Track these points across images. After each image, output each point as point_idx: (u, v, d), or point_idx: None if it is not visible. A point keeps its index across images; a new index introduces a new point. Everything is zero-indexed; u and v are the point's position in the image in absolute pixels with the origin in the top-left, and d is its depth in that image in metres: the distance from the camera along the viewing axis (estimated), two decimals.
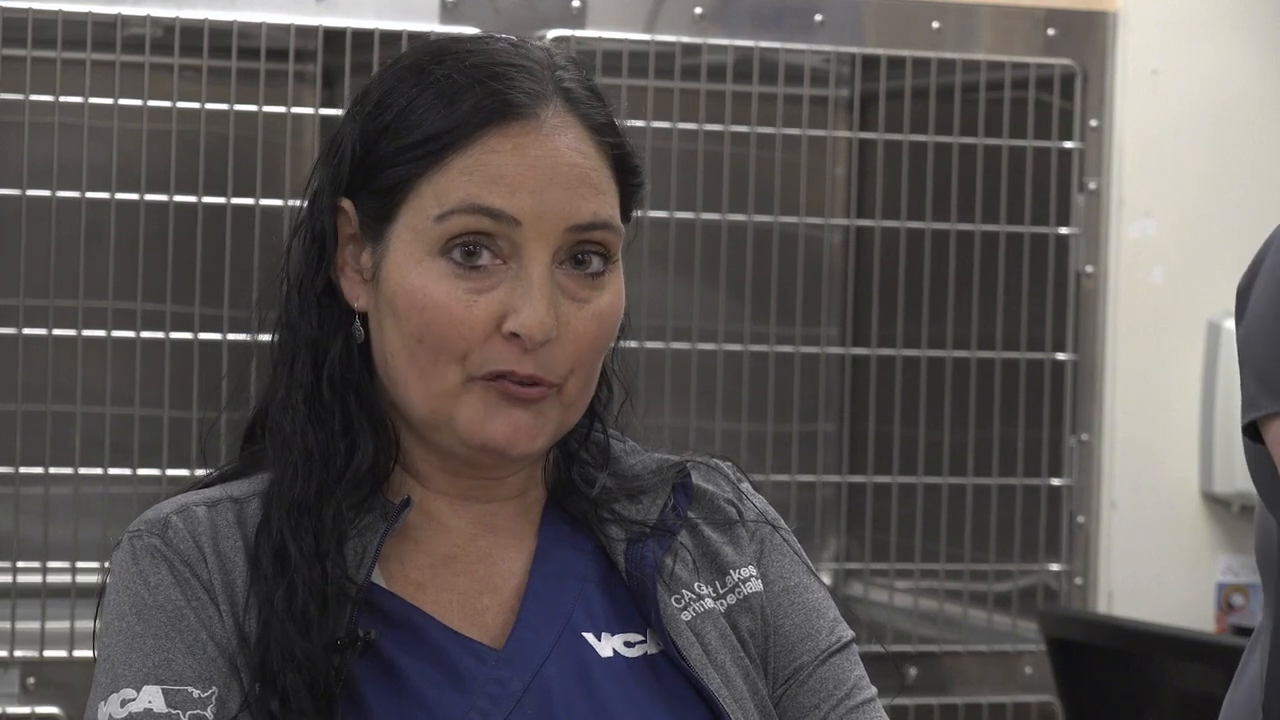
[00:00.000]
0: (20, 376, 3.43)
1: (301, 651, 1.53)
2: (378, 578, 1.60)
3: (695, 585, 1.64)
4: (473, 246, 1.51)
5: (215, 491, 1.61)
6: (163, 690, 1.52)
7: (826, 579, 3.27)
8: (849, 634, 1.67)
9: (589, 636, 1.61)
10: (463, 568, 1.63)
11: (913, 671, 3.57)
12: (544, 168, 1.51)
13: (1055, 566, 3.59)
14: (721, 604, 1.66)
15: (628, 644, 1.63)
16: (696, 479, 1.69)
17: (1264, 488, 2.08)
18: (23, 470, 3.39)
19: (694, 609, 1.64)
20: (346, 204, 1.56)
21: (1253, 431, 2.04)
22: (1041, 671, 3.39)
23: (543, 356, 1.52)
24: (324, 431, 1.61)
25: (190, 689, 1.54)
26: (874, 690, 1.65)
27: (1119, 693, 3.23)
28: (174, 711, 1.53)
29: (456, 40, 1.63)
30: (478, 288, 1.51)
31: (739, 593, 1.66)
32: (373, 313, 1.58)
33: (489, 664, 1.59)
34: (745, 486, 1.74)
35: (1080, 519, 3.58)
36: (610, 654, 1.62)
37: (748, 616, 1.65)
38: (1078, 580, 3.57)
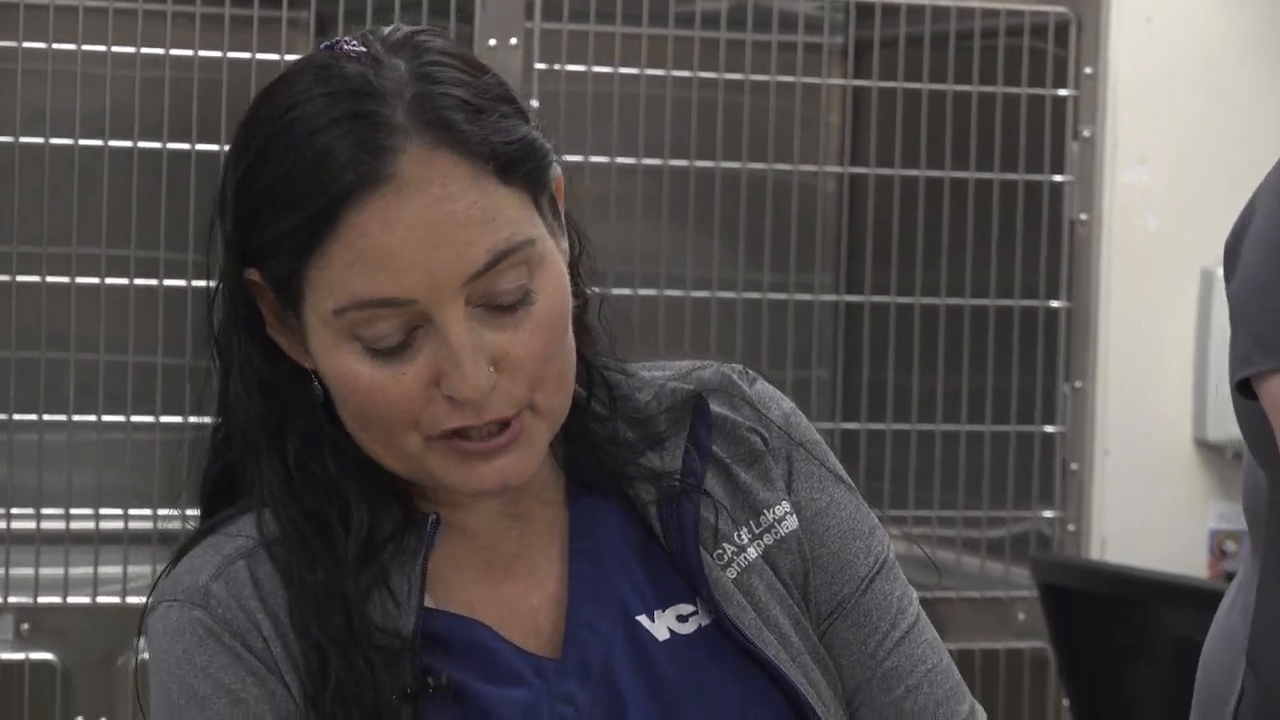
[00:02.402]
0: (14, 323, 3.42)
1: (371, 700, 1.46)
2: (433, 600, 1.54)
3: (735, 535, 1.59)
4: (381, 333, 1.44)
5: (242, 540, 1.52)
6: None
7: None
8: (884, 548, 1.60)
9: (643, 620, 1.57)
10: (503, 571, 1.58)
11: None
12: (420, 232, 1.42)
13: (1048, 513, 3.57)
14: (759, 545, 1.60)
15: (680, 618, 1.57)
16: (715, 406, 1.61)
17: (1254, 442, 2.06)
18: (16, 417, 3.40)
19: (738, 564, 1.59)
20: (254, 275, 1.48)
21: (1244, 387, 2.00)
22: (1034, 618, 3.36)
23: (494, 399, 1.43)
24: (313, 513, 1.52)
25: None
26: (916, 605, 1.59)
27: (1112, 639, 3.16)
28: None
29: (308, 78, 1.47)
30: (401, 361, 1.43)
31: (775, 533, 1.61)
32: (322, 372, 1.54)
33: (552, 680, 1.53)
34: (759, 388, 1.63)
35: (1074, 466, 3.57)
36: (666, 635, 1.57)
37: (787, 557, 1.60)
38: (1071, 527, 3.57)
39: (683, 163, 3.46)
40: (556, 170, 1.48)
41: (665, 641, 1.54)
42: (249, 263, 1.45)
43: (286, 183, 1.42)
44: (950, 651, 3.13)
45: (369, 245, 1.39)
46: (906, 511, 3.62)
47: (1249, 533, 2.18)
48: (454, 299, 1.40)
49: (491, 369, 1.41)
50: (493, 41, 3.48)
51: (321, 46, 1.48)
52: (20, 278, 3.24)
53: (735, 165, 3.50)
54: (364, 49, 1.43)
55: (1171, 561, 3.46)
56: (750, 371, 1.63)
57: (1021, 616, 3.50)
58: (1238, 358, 2.01)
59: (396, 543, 1.50)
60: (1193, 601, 2.98)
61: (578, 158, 3.53)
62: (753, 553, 1.58)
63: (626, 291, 3.46)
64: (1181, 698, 2.29)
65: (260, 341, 1.49)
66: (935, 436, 3.59)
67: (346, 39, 1.46)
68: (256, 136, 1.45)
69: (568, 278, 1.45)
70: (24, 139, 3.26)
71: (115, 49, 3.27)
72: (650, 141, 3.51)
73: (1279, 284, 2.01)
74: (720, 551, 1.57)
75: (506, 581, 1.55)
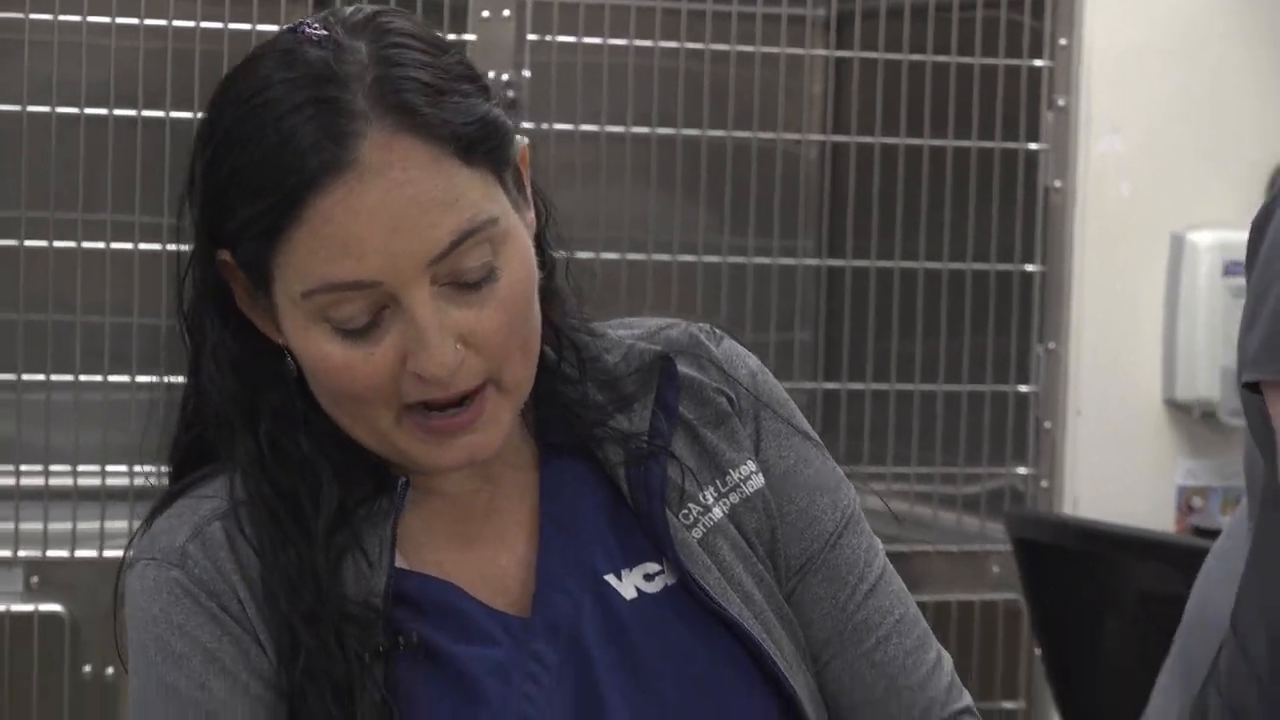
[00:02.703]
0: (21, 287, 3.43)
1: (343, 673, 1.50)
2: (404, 560, 1.58)
3: (701, 496, 1.61)
4: (349, 315, 1.47)
5: (217, 501, 1.55)
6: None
7: None
8: (851, 502, 1.65)
9: (610, 579, 1.59)
10: (474, 533, 1.61)
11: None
12: (381, 217, 1.44)
13: (1022, 470, 3.62)
14: (724, 504, 1.62)
15: (647, 577, 1.61)
16: (682, 367, 1.64)
17: (1254, 430, 2.07)
18: (25, 377, 3.42)
19: (703, 524, 1.61)
20: (225, 255, 1.50)
21: (1252, 385, 2.02)
22: (1008, 571, 3.39)
23: (460, 374, 1.47)
24: (286, 492, 1.55)
25: None
26: (883, 556, 1.65)
27: (1082, 591, 3.21)
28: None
29: (273, 63, 1.49)
30: (370, 341, 1.47)
31: (741, 492, 1.62)
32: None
33: (522, 639, 1.57)
34: (725, 347, 1.67)
35: (1047, 425, 3.60)
36: (634, 594, 1.60)
37: (752, 516, 1.62)
38: (1044, 483, 3.61)
39: (670, 131, 3.49)
40: (520, 144, 1.51)
41: (632, 600, 1.57)
42: (219, 245, 1.48)
43: (251, 169, 1.44)
44: (926, 603, 3.10)
45: (333, 231, 1.41)
46: (885, 468, 3.66)
47: (1247, 497, 2.19)
48: (419, 280, 1.42)
49: (459, 345, 1.44)
50: (485, 13, 3.47)
51: (285, 29, 1.49)
52: (28, 242, 3.29)
53: (721, 134, 3.52)
54: (325, 32, 1.45)
55: (1140, 517, 3.46)
56: (717, 330, 1.66)
57: (995, 569, 3.53)
58: (1247, 359, 2.02)
59: (368, 506, 1.53)
60: (1160, 556, 3.04)
61: (568, 125, 3.55)
62: (718, 513, 1.60)
63: (615, 256, 3.50)
64: (1148, 649, 2.30)
65: (233, 321, 1.51)
66: (914, 396, 3.62)
67: (309, 21, 1.47)
68: (222, 121, 1.46)
69: (532, 250, 1.47)
70: (31, 108, 3.29)
71: (119, 20, 3.28)
72: (639, 111, 3.52)
73: None
74: (686, 512, 1.58)
75: (477, 543, 1.58)
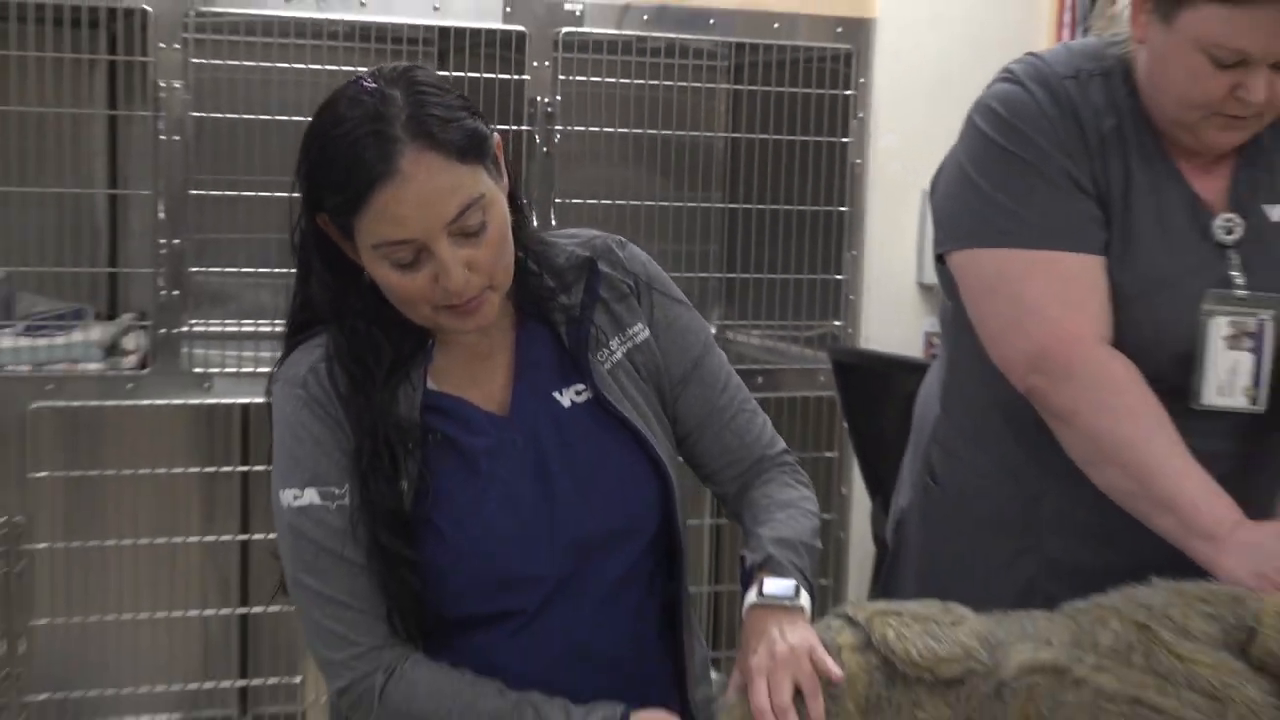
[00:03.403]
0: (238, 224, 3.77)
1: (400, 450, 1.78)
2: (433, 384, 1.85)
3: (609, 344, 1.88)
4: (401, 257, 1.72)
5: (321, 351, 1.81)
6: (317, 490, 1.79)
7: (713, 329, 3.64)
8: (709, 335, 1.94)
9: (555, 395, 1.87)
10: (477, 366, 1.86)
11: (760, 379, 4.08)
12: (416, 201, 1.67)
13: (837, 323, 4.25)
14: (624, 349, 1.89)
15: (577, 393, 1.88)
16: (601, 266, 1.89)
17: (944, 286, 2.29)
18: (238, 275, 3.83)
19: (610, 361, 1.88)
20: (323, 219, 1.76)
21: (938, 258, 2.23)
22: (829, 380, 3.98)
23: (469, 286, 1.72)
24: (358, 357, 1.80)
25: (333, 488, 1.79)
26: (729, 367, 1.99)
27: (868, 391, 3.78)
28: (325, 503, 1.78)
29: (344, 104, 1.73)
30: (414, 271, 1.71)
31: (634, 340, 1.90)
32: None
33: (502, 430, 1.85)
34: (628, 251, 1.95)
35: (851, 297, 4.21)
36: (569, 404, 1.87)
37: (641, 355, 1.90)
38: (849, 330, 4.27)
39: (640, 131, 4.05)
40: (494, 140, 1.74)
41: (568, 408, 1.87)
42: (318, 211, 1.75)
43: (335, 173, 1.68)
44: (784, 398, 4.00)
45: (389, 210, 1.67)
46: (762, 322, 4.28)
47: (942, 332, 2.41)
48: (440, 236, 1.67)
49: (466, 270, 1.69)
50: (535, 63, 3.83)
51: (350, 81, 1.76)
52: (245, 192, 3.62)
53: (669, 132, 4.10)
54: (375, 85, 1.71)
55: (903, 349, 4.16)
56: (623, 240, 1.94)
57: (821, 379, 4.09)
58: (935, 240, 2.23)
59: (414, 356, 1.81)
60: (912, 370, 3.44)
61: (582, 128, 3.98)
62: (619, 354, 1.89)
63: (577, 201, 3.97)
64: (905, 423, 2.50)
65: (328, 258, 1.78)
66: (778, 282, 4.21)
67: (365, 77, 1.73)
68: (316, 140, 1.72)
69: (506, 206, 1.75)
70: (245, 116, 3.66)
71: (296, 65, 3.67)
72: (626, 119, 4.06)
73: (949, 194, 2.20)
74: (601, 354, 1.87)
75: (479, 372, 1.86)
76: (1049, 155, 2.04)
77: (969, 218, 2.09)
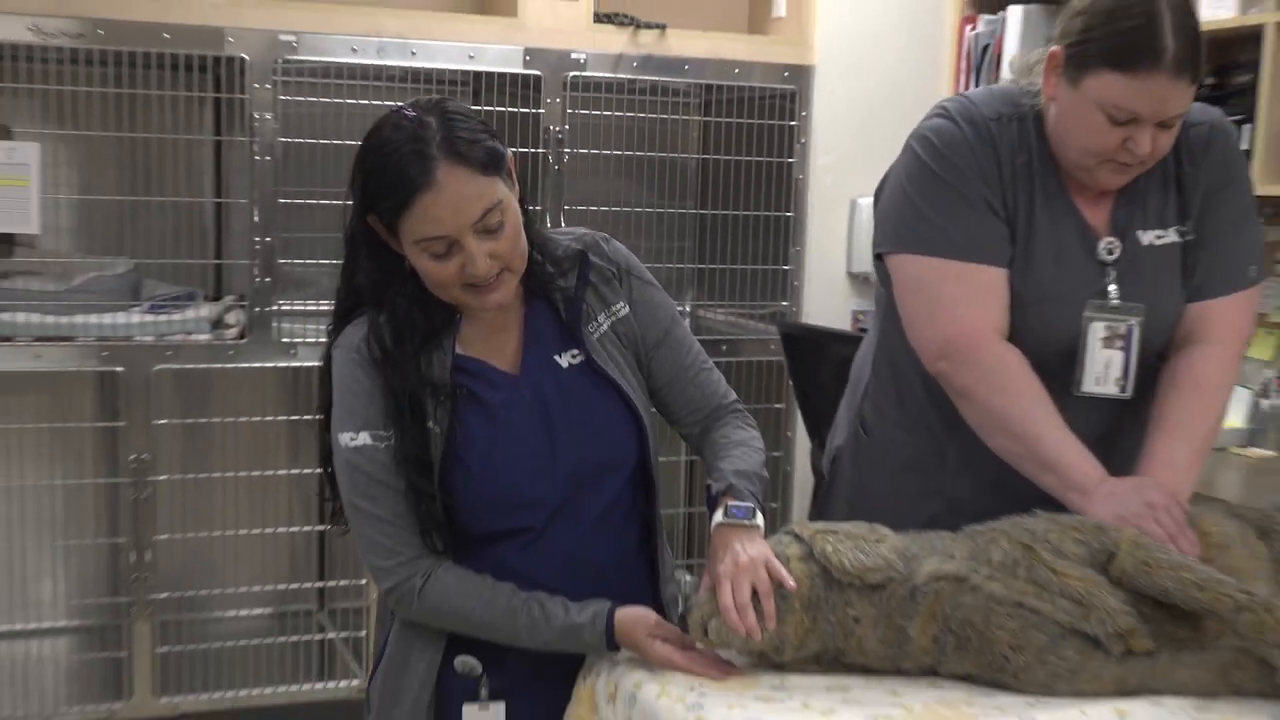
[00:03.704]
0: (314, 228, 3.52)
1: (432, 402, 1.77)
2: (460, 350, 1.83)
3: (597, 318, 1.85)
4: (437, 249, 1.71)
5: (367, 327, 1.79)
6: (369, 433, 1.78)
7: (688, 308, 4.28)
8: (675, 310, 1.91)
9: (556, 358, 1.85)
10: (495, 334, 1.85)
11: (724, 347, 4.00)
12: (449, 206, 1.67)
13: (785, 303, 4.21)
14: (609, 322, 1.87)
15: (572, 357, 1.85)
16: (591, 257, 1.87)
17: (880, 276, 2.22)
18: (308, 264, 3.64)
19: (599, 332, 1.85)
20: (373, 219, 1.76)
21: (877, 258, 2.18)
22: (779, 348, 3.90)
23: (490, 271, 1.73)
24: (396, 333, 1.77)
25: (380, 430, 1.78)
26: (692, 336, 1.96)
27: (807, 356, 3.69)
28: (375, 443, 1.77)
29: (389, 129, 1.71)
30: (447, 260, 1.71)
31: (617, 315, 1.88)
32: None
33: (515, 387, 1.83)
34: (613, 246, 1.90)
35: (796, 283, 4.19)
36: (566, 365, 1.84)
37: (623, 327, 1.88)
38: (794, 309, 4.20)
39: (629, 153, 4.01)
40: (508, 156, 1.73)
41: (566, 368, 1.84)
42: (369, 212, 1.74)
43: (384, 184, 1.68)
44: (744, 362, 3.91)
45: (428, 212, 1.67)
46: (728, 303, 4.21)
47: (876, 311, 2.30)
48: (468, 233, 1.68)
49: (489, 259, 1.70)
50: (548, 99, 3.74)
51: (393, 110, 1.75)
52: (322, 201, 3.55)
53: (653, 154, 4.07)
54: (414, 114, 1.71)
55: (835, 323, 4.15)
56: (608, 236, 1.91)
57: (773, 347, 4.00)
58: (875, 241, 2.18)
59: (446, 327, 1.80)
60: (843, 340, 3.49)
61: (591, 151, 3.91)
62: (605, 326, 1.85)
63: (581, 207, 3.91)
64: (839, 385, 2.43)
65: (375, 249, 1.76)
66: (739, 271, 4.23)
67: (406, 106, 1.72)
68: (368, 157, 1.72)
69: (519, 209, 1.74)
70: (321, 141, 3.62)
71: (363, 101, 3.68)
72: (630, 143, 4.03)
73: (890, 205, 2.13)
74: (591, 326, 1.84)
75: (496, 338, 1.84)
76: (971, 182, 2.02)
77: (904, 228, 2.07)
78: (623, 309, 1.85)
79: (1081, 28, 1.95)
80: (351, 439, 1.74)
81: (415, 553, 1.76)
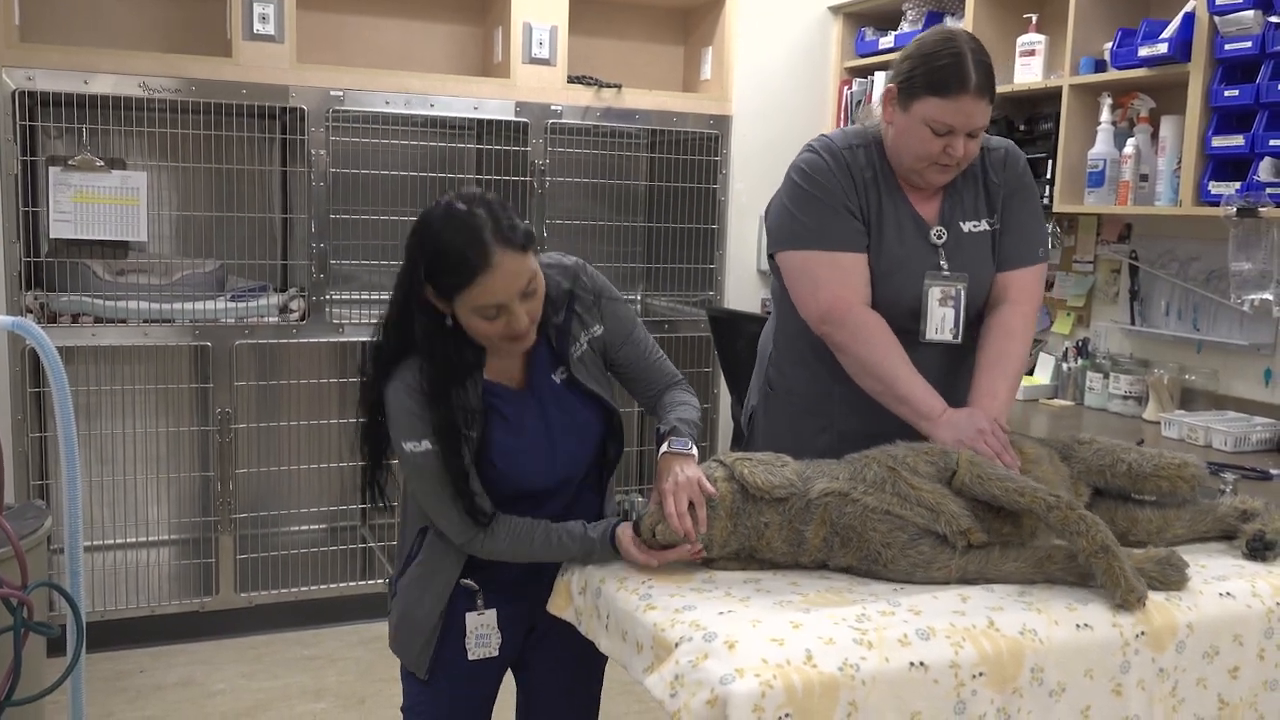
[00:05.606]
0: (362, 245, 3.55)
1: (464, 417, 1.68)
2: (487, 377, 1.75)
3: (579, 340, 1.77)
4: (488, 314, 1.64)
5: (416, 368, 1.69)
6: (429, 441, 1.67)
7: (639, 297, 4.16)
8: (636, 317, 1.84)
9: (551, 376, 1.78)
10: (505, 358, 1.77)
11: (666, 326, 3.97)
12: (503, 282, 1.61)
13: (711, 293, 4.00)
14: (588, 342, 1.79)
15: (561, 373, 1.78)
16: (576, 290, 1.78)
17: (773, 274, 2.16)
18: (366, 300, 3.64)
19: (580, 351, 1.77)
20: (429, 289, 1.65)
21: (770, 259, 2.14)
22: (707, 326, 3.83)
23: (526, 329, 1.68)
24: (436, 376, 1.67)
25: (431, 442, 1.68)
26: (648, 335, 1.86)
27: (728, 333, 3.58)
28: (434, 449, 1.67)
29: (450, 215, 1.60)
30: (495, 320, 1.64)
31: (593, 334, 1.80)
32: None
33: (523, 399, 1.76)
34: (589, 272, 1.81)
35: (720, 277, 4.07)
36: (558, 381, 1.77)
37: (596, 342, 1.81)
38: (719, 297, 4.00)
39: (595, 180, 4.05)
40: (535, 237, 1.68)
41: (558, 384, 1.76)
42: (425, 282, 1.65)
43: (447, 266, 1.60)
44: (683, 338, 3.78)
45: (487, 289, 1.60)
46: (670, 293, 4.17)
47: (772, 299, 2.23)
48: (515, 300, 1.63)
49: (526, 317, 1.65)
50: (537, 162, 3.62)
51: (445, 200, 1.63)
52: (365, 216, 3.57)
53: (613, 182, 4.12)
54: (464, 206, 1.60)
55: (749, 308, 4.07)
56: (584, 263, 1.81)
57: (702, 326, 3.96)
58: (767, 245, 2.15)
59: (477, 361, 1.72)
60: (756, 321, 3.28)
61: (571, 179, 3.88)
62: (585, 346, 1.78)
63: (559, 221, 3.81)
64: (751, 358, 2.35)
65: (427, 311, 1.65)
66: (680, 270, 4.08)
67: (457, 198, 1.62)
68: (431, 242, 1.61)
69: (543, 276, 1.68)
70: (362, 170, 3.60)
71: (394, 141, 3.69)
72: (587, 173, 4.03)
73: (776, 219, 2.08)
74: (574, 347, 1.77)
75: (507, 364, 1.78)
76: (834, 194, 2.01)
77: (786, 233, 2.05)
78: (598, 330, 1.80)
79: (909, 68, 1.98)
80: (414, 447, 1.67)
81: (470, 520, 1.74)
